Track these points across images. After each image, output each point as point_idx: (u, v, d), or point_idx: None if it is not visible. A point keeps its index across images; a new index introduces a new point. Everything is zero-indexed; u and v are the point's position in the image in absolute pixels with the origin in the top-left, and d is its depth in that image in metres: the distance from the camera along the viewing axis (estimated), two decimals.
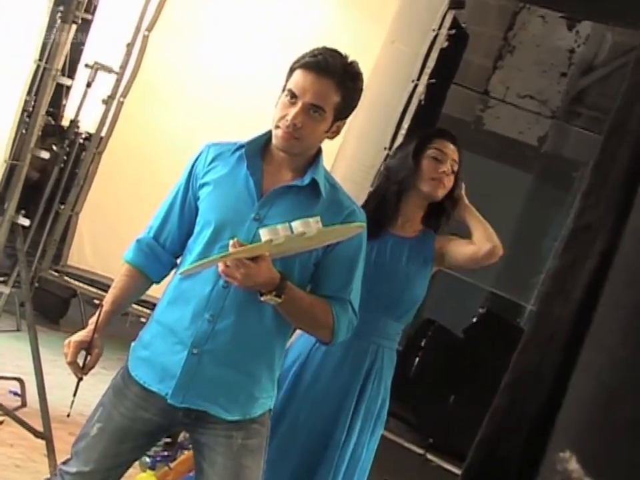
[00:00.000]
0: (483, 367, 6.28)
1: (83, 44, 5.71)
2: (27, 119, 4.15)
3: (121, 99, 5.13)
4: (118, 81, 5.14)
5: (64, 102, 6.08)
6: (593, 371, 0.92)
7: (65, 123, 6.04)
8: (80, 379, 2.42)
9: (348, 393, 2.89)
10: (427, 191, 2.97)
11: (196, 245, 2.40)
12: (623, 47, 8.12)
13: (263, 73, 4.84)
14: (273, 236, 2.11)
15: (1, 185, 4.12)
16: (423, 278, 2.97)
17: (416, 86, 5.05)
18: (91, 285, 5.30)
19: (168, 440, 4.17)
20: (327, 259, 2.37)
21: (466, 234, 2.99)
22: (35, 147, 4.18)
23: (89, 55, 5.47)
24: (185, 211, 2.47)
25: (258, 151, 2.41)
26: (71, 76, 4.99)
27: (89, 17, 4.75)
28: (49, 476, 3.38)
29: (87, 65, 5.12)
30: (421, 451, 6.38)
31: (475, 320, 7.09)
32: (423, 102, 5.05)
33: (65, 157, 5.28)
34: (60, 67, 4.20)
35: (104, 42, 5.64)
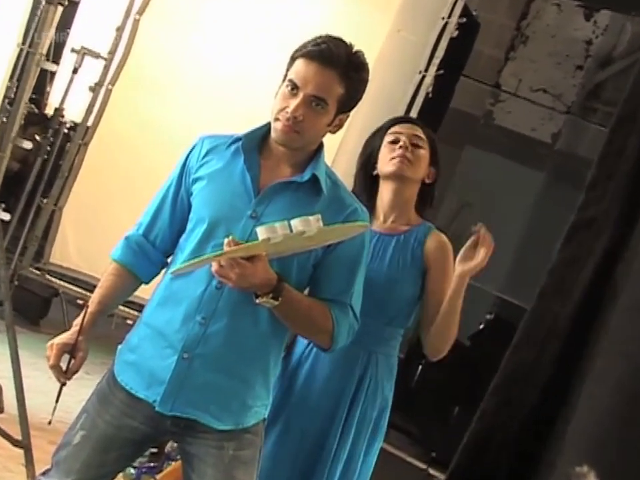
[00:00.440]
0: (490, 375, 6.28)
1: (69, 27, 5.71)
2: (9, 107, 4.16)
3: (109, 87, 5.15)
4: (106, 67, 5.16)
5: (48, 89, 6.07)
6: (612, 380, 0.91)
7: (49, 111, 6.04)
8: (63, 384, 2.42)
9: (340, 401, 2.89)
10: (390, 171, 2.94)
11: (188, 243, 2.40)
12: None
13: (264, 61, 4.85)
14: (271, 234, 2.12)
15: None
16: (411, 276, 2.94)
17: (423, 77, 5.06)
18: (74, 285, 5.31)
19: (154, 450, 4.17)
20: (327, 260, 2.37)
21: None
22: (16, 137, 4.20)
23: (75, 39, 5.47)
24: (177, 206, 2.47)
25: (255, 144, 2.42)
26: (56, 61, 5.01)
27: None
28: None
29: (73, 50, 5.14)
30: (423, 466, 6.37)
31: (481, 326, 7.09)
32: (430, 95, 5.06)
33: (48, 148, 5.29)
34: (44, 51, 4.21)
35: (92, 25, 5.64)
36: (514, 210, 8.35)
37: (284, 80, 2.36)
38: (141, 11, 5.06)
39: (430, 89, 5.05)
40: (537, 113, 8.69)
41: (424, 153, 2.98)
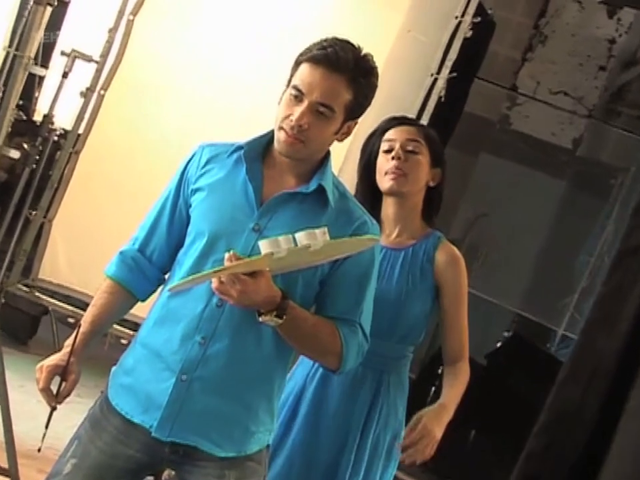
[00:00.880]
0: (508, 398, 6.27)
1: (59, 29, 5.73)
2: None
3: (102, 92, 5.16)
4: (98, 71, 5.16)
5: (36, 94, 6.09)
6: None
7: (38, 117, 6.05)
8: (53, 408, 2.43)
9: (350, 429, 2.88)
10: (386, 188, 2.94)
11: (187, 258, 2.41)
12: None
13: (267, 65, 4.86)
14: (274, 249, 2.12)
15: None
16: (422, 293, 2.93)
17: (435, 80, 5.06)
18: (65, 302, 5.30)
19: (150, 478, 4.17)
20: (334, 276, 2.37)
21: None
22: (3, 145, 4.20)
23: (65, 42, 5.49)
24: (175, 219, 2.48)
25: (258, 153, 2.42)
26: (45, 65, 5.02)
27: None
28: None
29: (63, 53, 5.14)
30: None
31: (499, 345, 7.08)
32: (442, 98, 5.07)
33: (37, 157, 5.29)
34: (32, 54, 4.22)
35: (83, 27, 5.66)
36: (533, 221, 8.36)
37: (288, 85, 2.36)
38: (134, 12, 5.07)
39: (442, 93, 5.05)
40: (557, 117, 8.70)
41: (420, 158, 2.94)
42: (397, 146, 2.93)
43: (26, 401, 4.24)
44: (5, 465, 3.86)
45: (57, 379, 2.42)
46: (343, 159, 4.60)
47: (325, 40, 2.34)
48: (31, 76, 4.33)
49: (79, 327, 2.46)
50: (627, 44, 8.58)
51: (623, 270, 1.04)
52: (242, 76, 5.05)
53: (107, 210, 5.08)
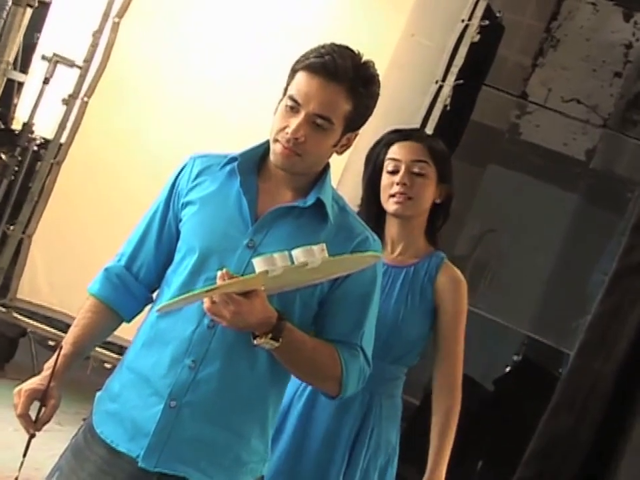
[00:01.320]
0: (518, 425, 6.26)
1: (40, 31, 5.75)
2: None
3: (85, 99, 5.17)
4: (81, 77, 5.19)
5: (15, 101, 6.12)
6: None
7: (17, 126, 6.08)
8: (32, 436, 2.41)
9: (336, 448, 2.90)
10: (391, 211, 3.04)
11: (176, 276, 2.41)
12: None
13: (262, 70, 4.87)
14: (269, 266, 2.12)
15: None
16: (420, 314, 2.98)
17: (440, 87, 5.09)
18: (45, 323, 5.31)
19: None
20: (334, 296, 2.37)
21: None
22: None
23: (46, 45, 5.50)
24: (164, 234, 2.48)
25: (253, 164, 2.43)
26: (24, 70, 5.03)
27: None
28: None
29: (44, 57, 5.16)
30: None
31: (508, 369, 7.08)
32: (448, 107, 5.09)
33: (15, 168, 5.31)
34: (11, 59, 4.23)
35: (65, 29, 5.68)
36: (544, 237, 8.36)
37: (284, 95, 2.36)
38: (120, 14, 5.09)
39: (448, 101, 5.07)
40: (569, 126, 8.72)
41: (426, 181, 3.02)
42: (403, 168, 3.00)
43: (3, 429, 4.23)
44: None
45: (36, 404, 2.42)
46: (342, 171, 4.61)
47: (323, 46, 2.34)
48: (10, 82, 4.35)
49: (60, 348, 2.45)
50: None
51: (623, 289, 1.05)
52: (235, 81, 5.06)
53: (90, 225, 5.08)
